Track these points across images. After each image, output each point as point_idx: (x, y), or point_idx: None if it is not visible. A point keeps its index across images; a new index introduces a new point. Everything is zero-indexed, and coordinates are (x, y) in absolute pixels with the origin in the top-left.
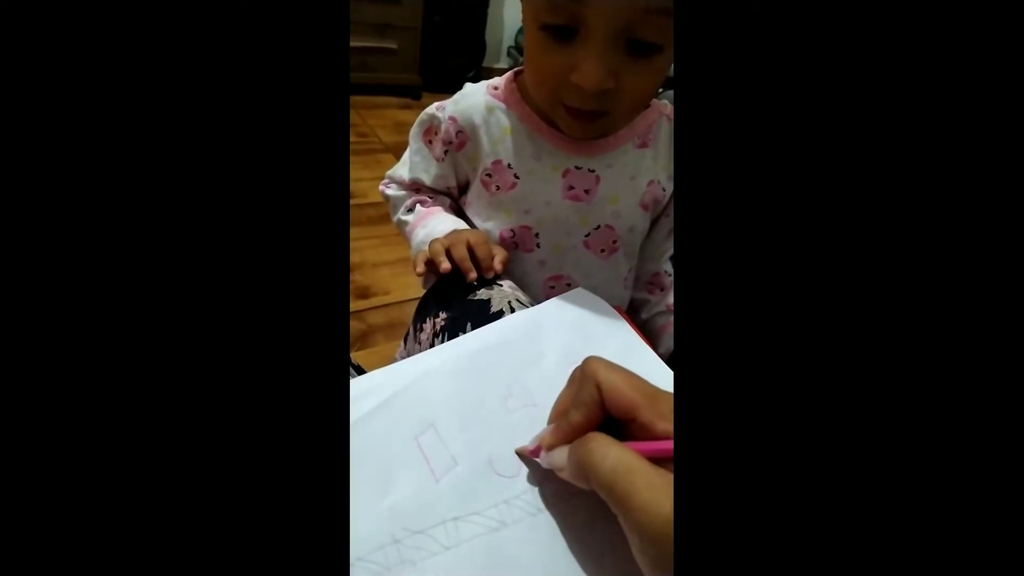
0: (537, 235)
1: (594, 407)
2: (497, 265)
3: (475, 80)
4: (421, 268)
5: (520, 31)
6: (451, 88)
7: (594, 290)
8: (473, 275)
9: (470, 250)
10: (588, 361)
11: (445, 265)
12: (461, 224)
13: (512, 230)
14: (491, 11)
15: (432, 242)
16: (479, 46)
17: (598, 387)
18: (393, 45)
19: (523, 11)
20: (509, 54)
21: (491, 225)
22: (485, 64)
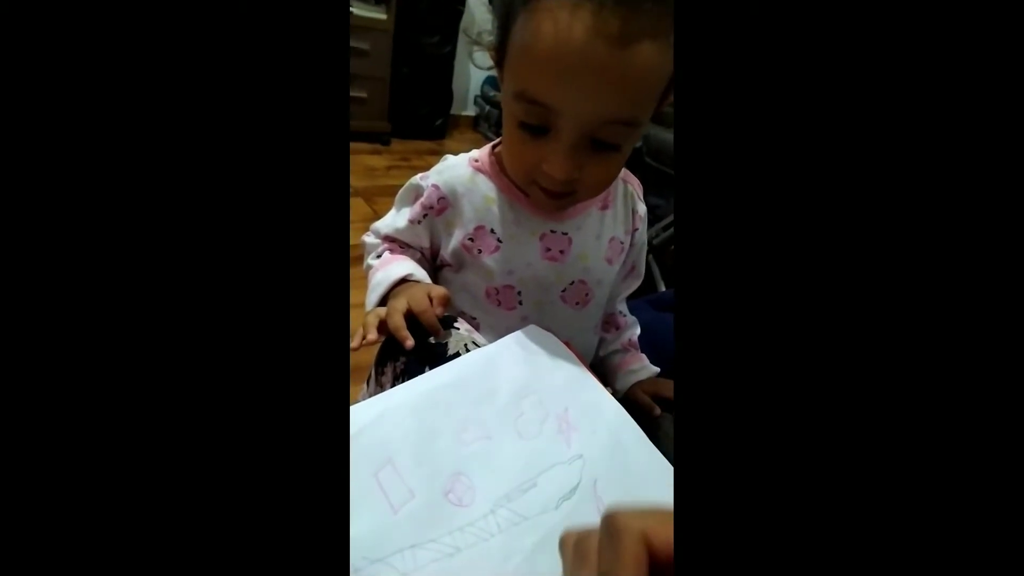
0: (520, 293)
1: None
2: (438, 310)
3: (443, 127)
4: (372, 335)
5: (486, 81)
6: (419, 134)
7: (571, 338)
8: (410, 343)
9: (411, 317)
10: (617, 517)
11: (378, 336)
12: (418, 272)
13: (496, 288)
14: (457, 62)
15: (367, 314)
16: (446, 95)
17: (642, 541)
18: (363, 94)
19: (503, 109)
20: (475, 103)
21: (472, 279)
22: (453, 112)
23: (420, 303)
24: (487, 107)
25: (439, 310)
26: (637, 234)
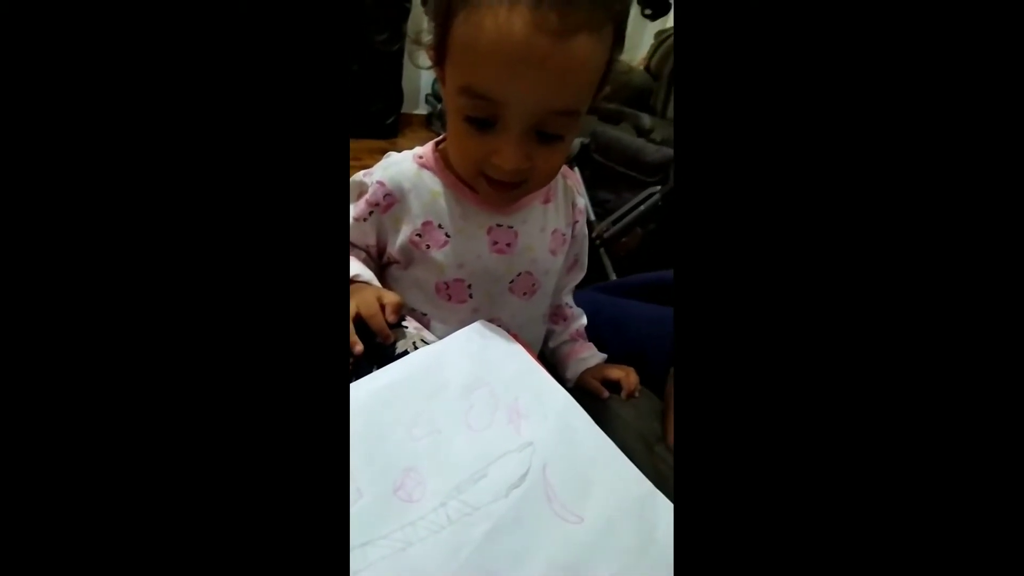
0: (470, 286)
1: None
2: (391, 317)
3: (395, 126)
4: None
5: (437, 79)
6: (371, 134)
7: (520, 328)
8: (359, 349)
9: (360, 321)
10: None
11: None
12: (365, 273)
13: (447, 283)
14: (407, 60)
15: None
16: (397, 93)
17: None
18: None
19: (446, 103)
20: (427, 101)
21: (422, 275)
22: (404, 110)
23: (370, 307)
24: (439, 105)
25: (391, 318)
26: (577, 226)
